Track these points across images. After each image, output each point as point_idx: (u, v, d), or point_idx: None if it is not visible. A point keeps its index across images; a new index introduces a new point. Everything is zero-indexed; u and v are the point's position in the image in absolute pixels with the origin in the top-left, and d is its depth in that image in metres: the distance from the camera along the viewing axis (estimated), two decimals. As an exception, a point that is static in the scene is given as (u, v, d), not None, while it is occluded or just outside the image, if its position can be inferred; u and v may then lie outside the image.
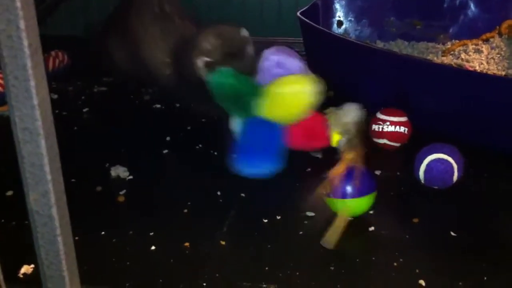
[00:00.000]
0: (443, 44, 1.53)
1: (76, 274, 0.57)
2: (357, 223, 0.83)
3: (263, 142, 0.97)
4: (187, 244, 0.80)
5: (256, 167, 0.93)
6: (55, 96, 1.32)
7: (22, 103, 0.49)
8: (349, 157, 0.82)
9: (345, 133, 0.85)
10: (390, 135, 1.07)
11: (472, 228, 0.86)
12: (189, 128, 1.18)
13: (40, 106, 0.50)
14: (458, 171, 0.93)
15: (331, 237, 0.77)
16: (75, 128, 1.18)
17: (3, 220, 0.83)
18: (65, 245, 0.55)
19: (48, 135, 0.51)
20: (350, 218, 0.82)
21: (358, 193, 0.82)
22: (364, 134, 0.87)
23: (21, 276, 0.73)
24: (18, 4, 0.46)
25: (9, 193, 0.91)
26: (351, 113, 0.87)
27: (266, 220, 0.86)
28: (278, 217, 0.87)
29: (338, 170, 0.81)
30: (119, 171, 0.99)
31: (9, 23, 0.47)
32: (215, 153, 1.07)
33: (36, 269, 0.73)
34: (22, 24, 0.47)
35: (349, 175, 0.81)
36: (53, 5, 1.43)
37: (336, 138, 0.88)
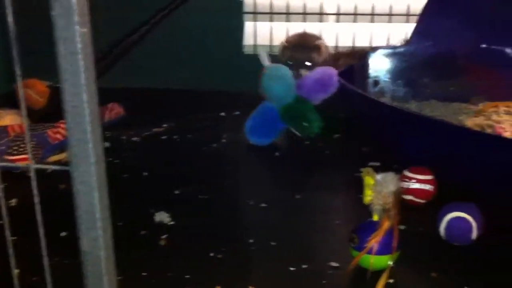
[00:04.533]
0: (476, 105, 1.58)
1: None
2: (377, 274, 0.89)
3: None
4: (218, 287, 0.87)
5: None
6: (108, 145, 1.43)
7: (81, 161, 0.59)
8: (387, 226, 0.88)
9: (384, 204, 0.89)
10: (416, 192, 1.13)
11: (490, 285, 0.91)
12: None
13: (95, 164, 0.60)
14: (477, 229, 0.98)
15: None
16: (125, 175, 1.30)
17: (56, 259, 0.93)
18: (109, 283, 0.64)
19: (101, 188, 0.61)
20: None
21: (386, 251, 0.89)
22: (400, 204, 0.91)
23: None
24: (83, 81, 0.57)
25: (63, 234, 1.02)
26: (390, 184, 0.90)
27: (292, 268, 0.93)
28: (304, 266, 0.94)
29: (378, 236, 0.88)
30: (163, 217, 1.08)
31: (75, 96, 0.57)
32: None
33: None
34: (85, 97, 0.57)
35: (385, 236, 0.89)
36: (111, 63, 1.59)
37: (368, 198, 0.92)
